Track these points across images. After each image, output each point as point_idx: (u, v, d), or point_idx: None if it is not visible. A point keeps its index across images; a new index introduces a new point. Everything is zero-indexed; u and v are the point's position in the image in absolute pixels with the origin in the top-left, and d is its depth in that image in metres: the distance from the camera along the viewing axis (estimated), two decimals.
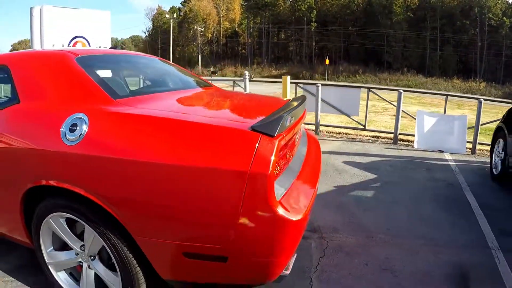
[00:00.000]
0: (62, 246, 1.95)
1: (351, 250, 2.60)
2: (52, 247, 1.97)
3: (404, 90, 5.98)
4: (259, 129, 1.43)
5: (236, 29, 57.22)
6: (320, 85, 6.40)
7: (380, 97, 6.67)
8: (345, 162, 4.75)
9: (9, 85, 2.09)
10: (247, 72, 7.65)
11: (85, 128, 1.68)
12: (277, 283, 2.13)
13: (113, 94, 1.85)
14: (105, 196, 1.63)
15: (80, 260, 1.89)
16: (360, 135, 6.47)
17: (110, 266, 1.79)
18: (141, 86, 2.87)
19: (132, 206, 1.60)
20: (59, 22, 6.04)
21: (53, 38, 5.99)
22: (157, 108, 1.80)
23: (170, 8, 64.23)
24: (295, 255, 1.87)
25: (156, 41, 60.79)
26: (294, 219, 1.42)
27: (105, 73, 2.23)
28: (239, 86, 7.85)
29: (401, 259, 2.48)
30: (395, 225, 2.98)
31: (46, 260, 1.99)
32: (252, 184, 1.37)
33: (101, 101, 1.81)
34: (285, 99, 4.88)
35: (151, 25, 63.84)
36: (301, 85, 6.95)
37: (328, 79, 40.26)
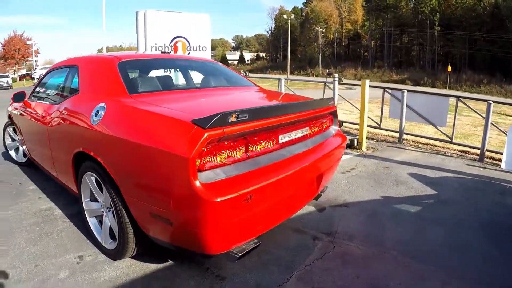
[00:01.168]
0: (94, 199, 2.52)
1: (352, 259, 2.51)
2: (89, 198, 2.56)
3: (494, 101, 5.03)
4: (195, 122, 1.66)
5: (358, 30, 55.11)
6: (405, 91, 5.89)
7: (469, 107, 5.76)
8: (411, 174, 4.36)
9: (77, 80, 2.80)
10: (336, 75, 7.53)
11: (103, 113, 2.20)
12: (244, 266, 2.30)
13: (131, 90, 2.35)
14: (108, 161, 2.12)
15: (102, 210, 2.43)
16: (447, 148, 5.73)
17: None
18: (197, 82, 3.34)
19: (120, 171, 2.05)
20: (161, 24, 6.94)
21: (155, 38, 6.94)
22: (146, 102, 2.20)
23: (292, 8, 65.49)
24: (257, 244, 2.01)
25: (278, 40, 62.97)
26: (215, 199, 1.60)
27: (137, 74, 2.77)
28: (329, 88, 7.77)
29: (399, 281, 2.27)
30: (419, 246, 2.69)
31: (84, 207, 2.60)
32: (180, 164, 1.64)
33: (120, 95, 2.32)
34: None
35: (274, 25, 66.26)
36: (388, 90, 6.52)
37: (449, 88, 35.31)
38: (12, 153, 4.69)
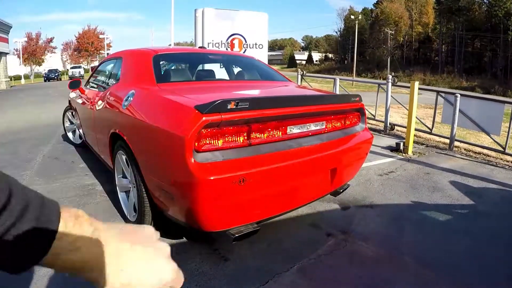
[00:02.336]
0: (124, 175, 2.80)
1: (360, 260, 2.46)
2: (121, 175, 2.86)
3: None
4: (197, 107, 1.80)
5: (429, 34, 51.71)
6: (458, 95, 5.46)
7: None
8: (451, 182, 4.08)
9: (119, 70, 3.12)
10: (390, 76, 7.23)
11: (131, 99, 2.45)
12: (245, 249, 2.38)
13: (159, 79, 2.58)
14: (132, 141, 2.36)
15: (130, 185, 2.69)
16: (501, 158, 5.21)
17: None
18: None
19: (140, 149, 2.29)
20: (218, 22, 7.19)
21: (212, 35, 7.21)
22: (168, 90, 2.40)
23: (362, 9, 63.50)
24: (256, 228, 2.10)
25: (347, 42, 61.41)
26: (206, 177, 1.72)
27: (169, 65, 3.01)
28: (383, 90, 7.48)
29: (402, 286, 2.20)
30: (437, 256, 2.52)
31: (116, 183, 2.90)
32: (179, 143, 1.79)
33: (149, 84, 2.55)
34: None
35: (343, 25, 64.70)
36: (442, 94, 6.10)
37: None
38: (70, 134, 5.32)
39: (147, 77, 2.64)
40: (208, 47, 7.39)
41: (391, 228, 2.97)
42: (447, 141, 5.90)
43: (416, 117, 5.80)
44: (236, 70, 3.38)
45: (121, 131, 2.56)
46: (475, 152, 5.56)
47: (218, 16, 7.29)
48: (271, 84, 3.20)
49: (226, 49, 7.57)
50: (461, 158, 5.25)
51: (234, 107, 1.79)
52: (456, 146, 5.77)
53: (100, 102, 3.16)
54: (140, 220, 2.47)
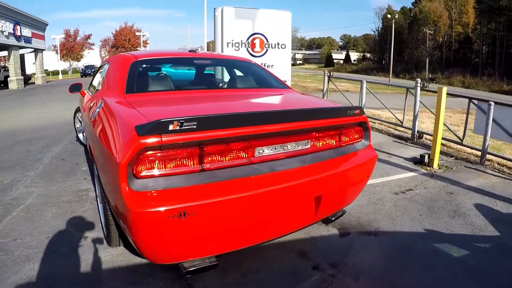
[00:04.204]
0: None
1: None
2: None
3: None
4: (136, 128, 1.57)
5: (470, 34, 48.72)
6: (492, 103, 4.82)
7: None
8: (476, 205, 3.57)
9: (104, 76, 2.99)
10: (419, 80, 6.67)
11: (97, 110, 2.28)
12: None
13: (128, 90, 2.39)
14: (95, 155, 2.21)
15: None
16: None
17: None
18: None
19: (98, 165, 2.14)
20: (238, 21, 6.98)
21: (232, 35, 7.02)
22: (129, 102, 2.19)
23: (401, 8, 61.26)
24: (213, 263, 1.83)
25: (385, 41, 59.29)
26: (138, 210, 1.48)
27: (150, 72, 2.83)
28: (412, 94, 6.88)
29: None
30: None
31: (96, 193, 2.83)
32: (116, 169, 1.59)
33: (117, 94, 2.37)
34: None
35: (381, 24, 62.60)
36: (475, 101, 5.46)
37: None
38: (80, 135, 5.34)
39: (118, 86, 2.45)
40: (227, 46, 7.20)
41: (392, 263, 2.58)
42: (479, 153, 5.28)
43: (445, 125, 5.23)
44: (226, 76, 3.11)
45: (90, 143, 2.41)
46: (509, 168, 4.91)
47: (238, 15, 7.08)
48: (260, 93, 2.89)
49: (247, 49, 7.35)
50: (493, 174, 4.64)
51: (178, 128, 1.53)
52: (488, 160, 5.14)
53: (86, 109, 3.09)
54: (108, 236, 2.32)
